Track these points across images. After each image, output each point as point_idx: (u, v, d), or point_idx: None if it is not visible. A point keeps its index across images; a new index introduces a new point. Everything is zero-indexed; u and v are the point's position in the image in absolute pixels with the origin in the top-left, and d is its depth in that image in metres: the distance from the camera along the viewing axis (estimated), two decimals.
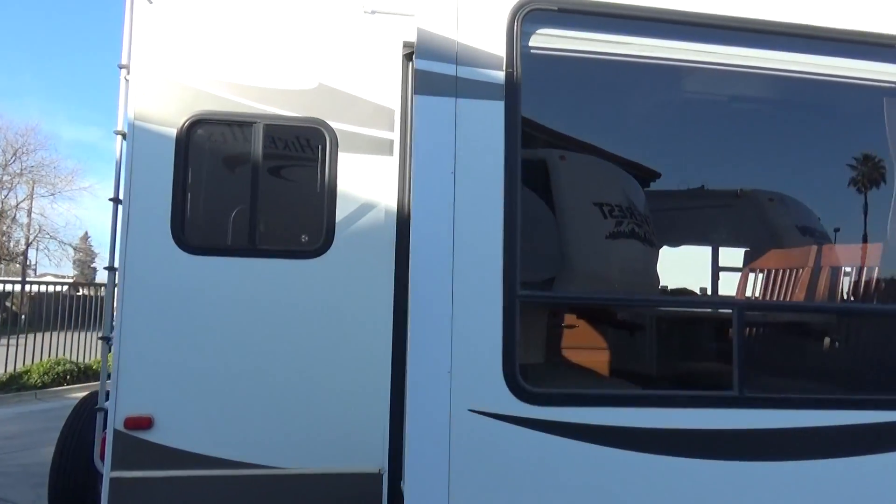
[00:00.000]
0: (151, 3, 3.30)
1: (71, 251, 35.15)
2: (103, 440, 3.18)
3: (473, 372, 2.31)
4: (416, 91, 2.40)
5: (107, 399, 3.52)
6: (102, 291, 10.54)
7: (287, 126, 3.41)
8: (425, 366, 2.29)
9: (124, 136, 3.79)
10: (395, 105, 3.46)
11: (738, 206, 5.16)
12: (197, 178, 3.39)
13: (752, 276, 4.62)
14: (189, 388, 3.20)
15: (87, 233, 45.72)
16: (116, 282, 3.58)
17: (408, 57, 3.50)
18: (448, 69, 2.39)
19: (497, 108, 2.41)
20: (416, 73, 2.40)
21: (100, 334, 3.57)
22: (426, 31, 2.41)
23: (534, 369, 3.12)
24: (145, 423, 3.15)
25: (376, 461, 3.30)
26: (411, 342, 2.31)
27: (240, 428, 3.22)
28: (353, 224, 3.40)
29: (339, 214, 3.39)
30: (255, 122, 3.35)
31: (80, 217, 66.22)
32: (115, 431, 3.13)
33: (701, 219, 5.32)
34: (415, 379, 2.29)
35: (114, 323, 3.24)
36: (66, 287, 15.91)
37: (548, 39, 2.54)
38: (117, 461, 3.11)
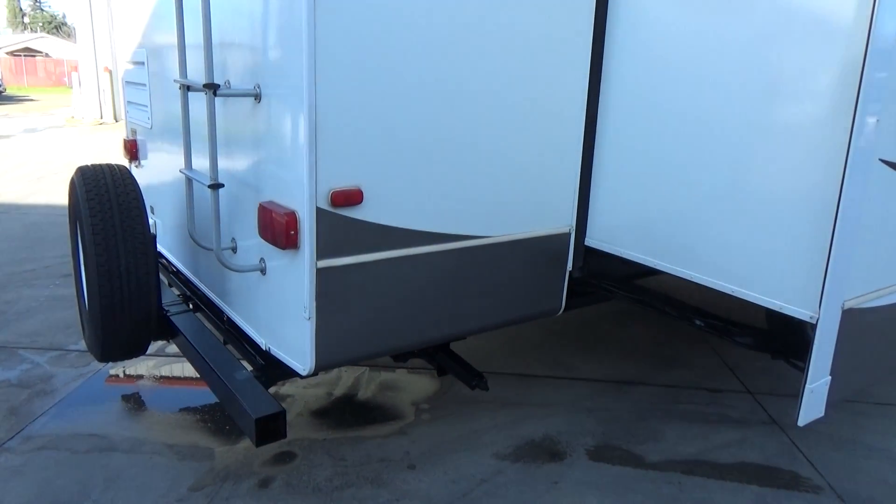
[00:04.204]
0: None
1: None
2: (283, 222, 2.34)
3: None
4: None
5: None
6: None
7: None
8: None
9: None
10: None
11: None
12: None
13: None
14: (394, 149, 2.45)
15: None
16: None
17: None
18: None
19: None
20: None
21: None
22: None
23: None
24: (356, 198, 2.39)
25: (567, 221, 3.08)
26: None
27: (449, 193, 2.65)
28: None
29: None
30: None
31: None
32: (319, 211, 2.33)
33: None
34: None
35: (304, 63, 2.20)
36: None
37: None
38: (326, 247, 2.37)
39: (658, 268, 2.92)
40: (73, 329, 4.58)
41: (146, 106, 3.80)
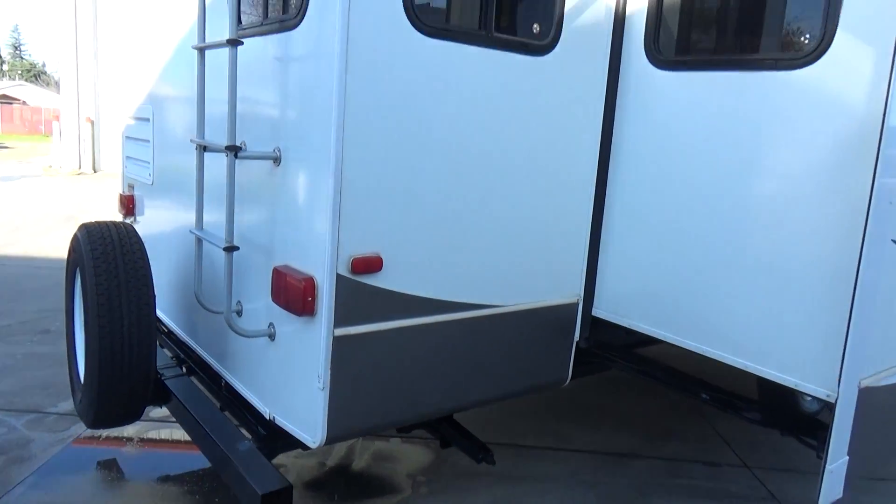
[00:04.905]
0: None
1: None
2: (302, 288, 2.29)
3: None
4: None
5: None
6: None
7: None
8: None
9: None
10: None
11: None
12: None
13: None
14: (414, 216, 2.45)
15: None
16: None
17: None
18: None
19: None
20: None
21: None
22: None
23: None
24: (376, 265, 2.36)
25: (576, 291, 3.08)
26: None
27: (465, 262, 2.64)
28: (579, 16, 2.75)
29: (568, 1, 2.70)
30: None
31: None
32: (339, 277, 2.29)
33: None
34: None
35: (329, 131, 2.20)
36: None
37: None
38: (344, 314, 2.32)
39: (667, 340, 2.91)
40: (51, 390, 4.38)
41: (148, 162, 3.76)
